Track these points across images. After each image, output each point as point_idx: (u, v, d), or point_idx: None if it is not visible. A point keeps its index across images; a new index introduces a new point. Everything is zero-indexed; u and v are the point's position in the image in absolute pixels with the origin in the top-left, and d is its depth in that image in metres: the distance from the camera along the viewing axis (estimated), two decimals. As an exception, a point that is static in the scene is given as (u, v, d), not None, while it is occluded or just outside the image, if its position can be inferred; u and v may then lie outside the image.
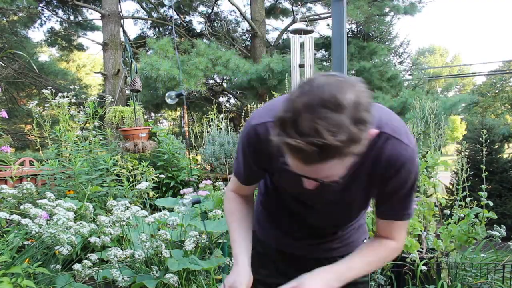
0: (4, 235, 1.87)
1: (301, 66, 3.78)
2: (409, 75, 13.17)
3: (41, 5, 10.75)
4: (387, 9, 10.21)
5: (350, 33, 11.07)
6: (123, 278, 1.86)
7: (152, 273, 1.96)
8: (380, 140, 0.92)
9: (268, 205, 1.27)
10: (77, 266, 1.78)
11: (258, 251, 1.26)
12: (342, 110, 0.72)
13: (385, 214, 1.05)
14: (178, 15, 11.58)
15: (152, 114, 13.51)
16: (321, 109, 0.72)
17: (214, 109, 5.15)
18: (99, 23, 9.87)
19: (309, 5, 10.79)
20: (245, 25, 11.76)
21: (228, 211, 1.21)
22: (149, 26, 12.39)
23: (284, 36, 10.96)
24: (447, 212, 2.76)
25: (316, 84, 0.75)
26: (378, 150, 0.93)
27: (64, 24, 11.54)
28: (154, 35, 12.00)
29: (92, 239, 1.88)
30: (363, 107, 0.74)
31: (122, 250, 1.92)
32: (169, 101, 1.88)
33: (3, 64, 10.07)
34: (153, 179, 3.54)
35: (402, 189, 0.98)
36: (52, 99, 3.42)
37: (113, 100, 4.64)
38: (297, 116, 0.73)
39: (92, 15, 11.46)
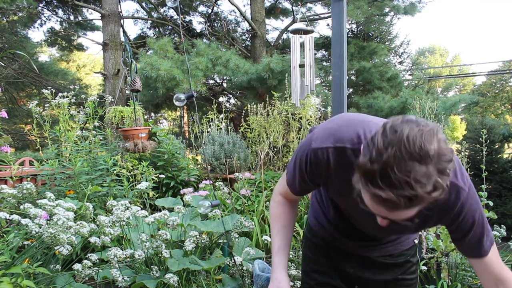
0: (4, 235, 1.87)
1: (301, 66, 3.77)
2: (409, 75, 13.16)
3: (41, 5, 10.74)
4: (387, 9, 10.21)
5: (350, 33, 11.07)
6: (123, 278, 1.86)
7: (152, 273, 1.96)
8: None
9: (323, 206, 1.33)
10: (77, 266, 1.78)
11: (313, 242, 1.36)
12: (429, 162, 0.74)
13: (471, 254, 1.08)
14: (178, 15, 11.57)
15: (152, 114, 13.51)
16: (410, 162, 0.74)
17: (214, 109, 5.16)
18: (99, 23, 9.87)
19: (309, 5, 10.78)
20: (245, 25, 11.76)
21: (274, 215, 1.26)
22: (149, 26, 12.39)
23: (284, 36, 10.96)
24: (447, 212, 2.75)
25: (403, 135, 0.75)
26: None
27: (64, 24, 11.54)
28: (154, 35, 12.00)
29: (92, 239, 1.88)
30: (446, 157, 0.76)
31: (122, 250, 1.92)
32: (177, 103, 1.87)
33: (3, 64, 10.07)
34: (153, 179, 3.54)
35: (471, 230, 1.01)
36: (52, 99, 3.42)
37: (113, 100, 4.64)
38: (387, 168, 0.74)
39: (92, 15, 11.46)
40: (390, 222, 0.89)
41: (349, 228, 1.25)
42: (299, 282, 2.15)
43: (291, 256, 2.38)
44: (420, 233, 2.47)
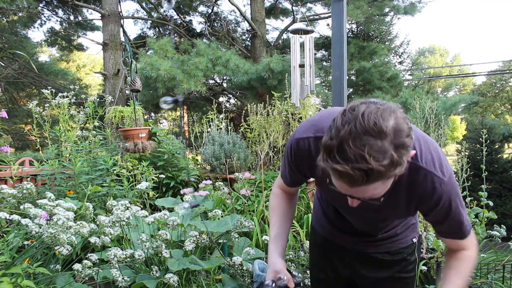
0: (4, 235, 1.87)
1: (301, 66, 3.77)
2: (409, 75, 13.18)
3: (41, 5, 10.74)
4: (387, 9, 10.21)
5: (350, 33, 11.07)
6: (123, 278, 1.86)
7: (152, 273, 1.96)
8: (415, 172, 0.99)
9: (323, 204, 1.39)
10: (77, 266, 1.77)
11: (316, 242, 1.43)
12: (384, 137, 0.78)
13: (444, 234, 1.14)
14: (178, 15, 11.57)
15: (152, 114, 13.50)
16: (364, 137, 0.78)
17: (214, 109, 5.15)
18: (99, 23, 9.87)
19: (309, 5, 10.78)
20: (245, 25, 11.76)
21: (273, 206, 1.34)
22: (149, 26, 12.39)
23: (284, 36, 10.96)
24: (447, 212, 2.75)
25: (358, 113, 0.80)
26: (413, 181, 1.00)
27: (64, 24, 11.54)
28: (154, 35, 12.00)
29: (92, 239, 1.88)
30: (404, 133, 0.80)
31: (122, 250, 1.92)
32: (163, 106, 1.88)
33: (3, 64, 10.07)
34: (153, 179, 3.54)
35: (449, 216, 1.05)
36: (52, 99, 3.42)
37: (113, 100, 4.64)
38: (343, 143, 0.79)
39: (92, 15, 11.46)
40: (361, 203, 0.92)
41: (345, 224, 1.29)
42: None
43: (291, 256, 2.38)
44: (420, 233, 2.48)
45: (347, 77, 4.52)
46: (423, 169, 0.98)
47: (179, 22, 11.36)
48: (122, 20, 9.37)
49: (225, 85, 10.44)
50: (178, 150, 4.25)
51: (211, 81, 10.40)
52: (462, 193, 2.68)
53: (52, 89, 3.53)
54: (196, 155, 5.29)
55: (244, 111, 5.09)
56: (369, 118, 0.78)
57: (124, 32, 10.58)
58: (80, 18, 11.64)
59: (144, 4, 11.53)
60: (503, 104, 26.39)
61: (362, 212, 1.12)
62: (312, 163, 1.05)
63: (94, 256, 1.89)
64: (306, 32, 3.71)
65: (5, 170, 3.50)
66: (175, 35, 11.42)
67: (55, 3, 11.20)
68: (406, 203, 1.05)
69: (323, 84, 11.61)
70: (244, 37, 12.13)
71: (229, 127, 5.08)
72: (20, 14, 10.55)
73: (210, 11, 11.57)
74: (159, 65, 6.77)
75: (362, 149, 0.77)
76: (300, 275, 1.28)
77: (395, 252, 1.30)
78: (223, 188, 2.85)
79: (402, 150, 0.80)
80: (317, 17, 10.88)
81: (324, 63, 11.54)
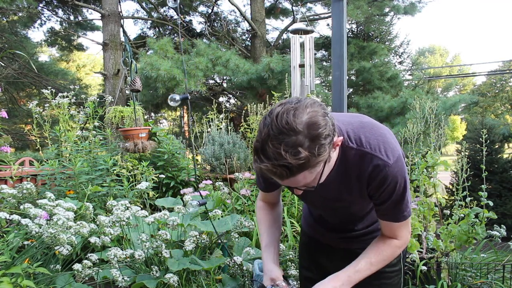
0: (4, 235, 1.87)
1: (301, 66, 3.78)
2: (409, 75, 13.17)
3: (41, 5, 10.74)
4: (387, 9, 10.21)
5: (350, 33, 11.07)
6: (123, 278, 1.86)
7: (152, 273, 1.96)
8: (357, 155, 1.06)
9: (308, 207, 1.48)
10: (77, 266, 1.77)
11: (303, 242, 1.51)
12: (297, 133, 0.87)
13: (383, 216, 1.17)
14: (178, 15, 11.57)
15: (152, 114, 13.51)
16: (280, 136, 0.87)
17: (214, 109, 5.15)
18: (99, 23, 9.88)
19: (309, 5, 10.78)
20: (245, 25, 11.76)
21: (259, 219, 1.41)
22: (149, 26, 12.40)
23: (284, 36, 10.96)
24: (447, 212, 2.76)
25: (274, 115, 0.90)
26: (361, 165, 1.07)
27: (64, 24, 11.54)
28: (154, 35, 12.00)
29: (92, 239, 1.88)
30: (319, 125, 0.88)
31: (122, 250, 1.92)
32: (172, 103, 1.88)
33: (3, 64, 10.07)
34: (153, 179, 3.54)
35: (391, 197, 1.10)
36: (52, 99, 3.42)
37: (113, 100, 4.64)
38: (264, 144, 0.89)
39: (92, 15, 11.47)
40: (304, 191, 1.03)
41: (326, 220, 1.37)
42: (299, 281, 2.16)
43: (291, 256, 2.38)
44: (419, 233, 2.48)
45: (347, 77, 4.52)
46: (369, 154, 1.05)
47: (179, 22, 11.36)
48: (122, 20, 9.37)
49: (225, 85, 10.45)
50: (178, 150, 4.25)
51: (211, 81, 10.40)
52: (462, 193, 2.68)
53: (52, 89, 3.53)
54: (196, 155, 5.29)
55: (244, 111, 5.09)
56: (282, 118, 0.88)
57: (124, 32, 10.59)
58: (80, 18, 11.64)
59: (144, 4, 11.53)
60: (503, 104, 26.40)
61: (327, 203, 1.22)
62: None
63: (94, 256, 1.89)
64: (306, 32, 3.71)
65: (5, 170, 3.50)
66: (175, 35, 11.43)
67: (55, 3, 11.20)
68: (358, 187, 1.11)
69: (323, 84, 11.61)
70: (244, 37, 12.13)
71: (229, 127, 5.08)
72: (20, 14, 10.56)
73: (210, 11, 11.58)
74: (159, 65, 6.77)
75: (278, 148, 0.87)
76: (296, 283, 1.32)
77: None
78: (223, 188, 2.85)
79: (320, 140, 0.88)
80: (317, 17, 10.89)
81: (324, 63, 11.53)
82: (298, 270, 2.24)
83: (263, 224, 1.39)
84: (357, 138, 1.07)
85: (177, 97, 1.89)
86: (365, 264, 1.15)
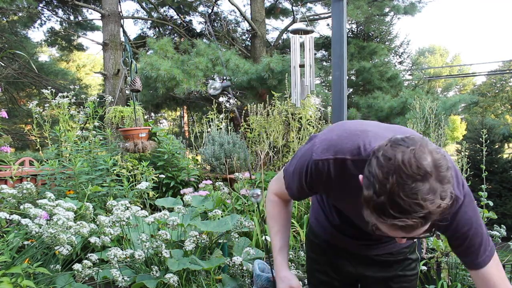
0: (4, 235, 1.87)
1: (301, 66, 3.77)
2: (409, 75, 13.17)
3: (41, 5, 10.74)
4: (387, 9, 10.20)
5: (350, 33, 11.07)
6: (123, 278, 1.86)
7: (152, 273, 1.96)
8: None
9: (324, 207, 1.36)
10: (77, 266, 1.77)
11: (315, 242, 1.40)
12: (429, 177, 0.77)
13: (465, 262, 1.07)
14: (178, 15, 11.57)
15: (152, 114, 13.50)
16: (413, 184, 0.76)
17: (214, 109, 5.15)
18: (99, 23, 9.87)
19: (309, 5, 10.78)
20: (245, 25, 11.76)
21: (272, 214, 1.30)
22: (149, 26, 12.39)
23: (284, 36, 10.96)
24: (447, 212, 2.75)
25: (398, 161, 0.79)
26: None
27: (64, 24, 11.54)
28: (154, 35, 11.99)
29: (92, 239, 1.88)
30: (443, 167, 0.79)
31: (122, 250, 1.92)
32: (211, 91, 1.80)
33: (3, 64, 10.06)
34: (153, 179, 3.54)
35: (467, 238, 1.01)
36: (52, 99, 3.42)
37: (113, 100, 4.64)
38: (394, 198, 0.77)
39: (92, 15, 11.46)
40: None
41: (349, 228, 1.27)
42: (300, 282, 2.15)
43: (291, 256, 2.38)
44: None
45: (347, 77, 4.52)
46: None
47: (179, 22, 11.36)
48: (122, 20, 9.37)
49: (225, 85, 10.42)
50: (178, 150, 4.25)
51: (211, 81, 10.38)
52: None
53: (52, 89, 3.53)
54: (196, 155, 5.29)
55: (244, 111, 5.09)
56: (411, 163, 0.77)
57: (124, 32, 10.59)
58: (80, 18, 11.63)
59: (144, 4, 11.53)
60: (503, 104, 26.40)
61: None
62: (331, 184, 1.06)
63: (94, 256, 1.89)
64: (306, 32, 3.70)
65: (5, 170, 3.50)
66: (175, 35, 11.43)
67: (55, 3, 11.20)
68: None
69: (323, 84, 11.60)
70: (244, 37, 12.13)
71: (229, 127, 5.08)
72: (20, 14, 10.55)
73: (210, 11, 11.57)
74: (159, 65, 6.77)
75: (415, 198, 0.77)
76: None
77: (397, 252, 1.30)
78: (223, 188, 2.85)
79: (446, 184, 0.79)
80: (317, 17, 10.88)
81: (324, 63, 11.53)
82: (299, 272, 2.24)
83: (277, 222, 1.29)
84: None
85: (218, 85, 1.80)
86: None
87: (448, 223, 0.97)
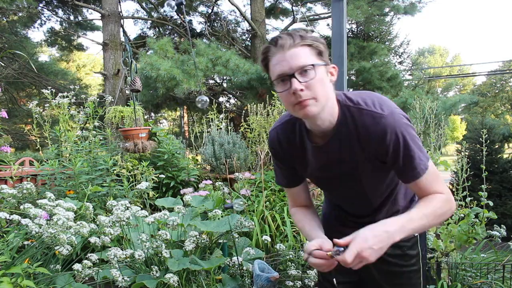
0: (4, 235, 1.87)
1: (301, 66, 3.77)
2: (409, 75, 13.17)
3: (41, 5, 10.75)
4: (387, 9, 10.20)
5: (350, 33, 11.07)
6: (123, 278, 1.86)
7: (152, 273, 1.96)
8: (354, 113, 1.13)
9: (325, 201, 1.54)
10: (77, 266, 1.78)
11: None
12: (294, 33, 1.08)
13: (403, 176, 1.14)
14: (178, 15, 11.57)
15: (152, 114, 13.50)
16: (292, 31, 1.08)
17: (214, 109, 5.16)
18: (99, 23, 9.88)
19: (309, 5, 10.78)
20: (245, 25, 11.76)
21: (297, 220, 1.38)
22: (149, 26, 12.40)
23: (284, 36, 10.94)
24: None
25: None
26: (354, 121, 1.13)
27: (64, 24, 11.55)
28: (154, 35, 12.00)
29: (92, 239, 1.88)
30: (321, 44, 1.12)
31: (122, 250, 1.92)
32: (199, 105, 1.92)
33: (3, 64, 10.07)
34: (153, 179, 3.54)
35: (399, 152, 1.09)
36: (52, 99, 3.42)
37: (113, 100, 4.64)
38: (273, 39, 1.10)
39: (92, 15, 11.47)
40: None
41: (342, 213, 1.39)
42: (299, 282, 2.16)
43: (291, 256, 2.38)
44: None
45: (347, 77, 4.51)
46: (364, 109, 1.11)
47: (179, 22, 11.36)
48: (122, 20, 9.37)
49: (225, 85, 10.44)
50: (178, 150, 4.25)
51: (211, 81, 10.39)
52: (462, 192, 2.68)
53: (52, 89, 3.53)
54: (196, 155, 5.30)
55: (244, 111, 5.09)
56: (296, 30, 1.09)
57: (124, 32, 10.59)
58: (80, 18, 11.64)
59: (144, 4, 11.53)
60: (503, 104, 26.40)
61: (334, 169, 1.22)
62: (283, 149, 1.27)
63: (94, 256, 1.89)
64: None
65: (5, 170, 3.50)
66: (175, 35, 11.43)
67: (55, 3, 11.20)
68: (360, 148, 1.13)
69: (323, 84, 11.58)
70: (244, 37, 12.13)
71: (229, 127, 5.08)
72: (20, 14, 10.56)
73: (210, 11, 11.58)
74: (159, 65, 6.77)
75: (287, 32, 1.08)
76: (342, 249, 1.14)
77: (395, 246, 1.29)
78: (223, 188, 2.85)
79: (308, 33, 1.08)
80: (317, 17, 10.88)
81: (324, 63, 11.52)
82: (299, 272, 2.24)
83: (304, 221, 1.32)
84: (354, 98, 1.15)
85: (205, 98, 1.92)
86: (417, 213, 1.08)
87: (379, 138, 1.09)
